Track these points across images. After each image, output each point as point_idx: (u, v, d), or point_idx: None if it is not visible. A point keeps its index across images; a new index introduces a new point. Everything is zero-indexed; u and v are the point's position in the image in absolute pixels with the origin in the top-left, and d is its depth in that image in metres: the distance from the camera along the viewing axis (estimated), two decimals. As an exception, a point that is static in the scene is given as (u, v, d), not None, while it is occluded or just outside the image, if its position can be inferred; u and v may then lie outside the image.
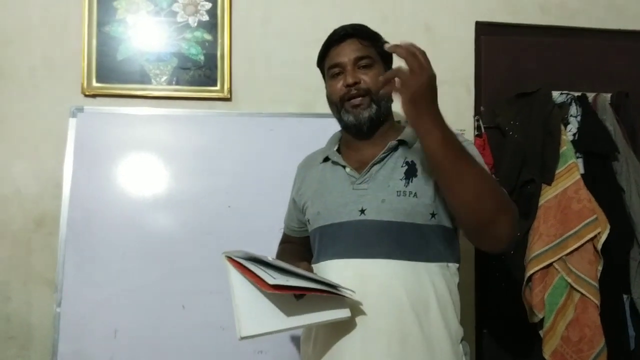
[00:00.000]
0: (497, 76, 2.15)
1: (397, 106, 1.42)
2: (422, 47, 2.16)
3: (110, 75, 1.99)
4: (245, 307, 1.14)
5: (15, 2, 1.99)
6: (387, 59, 1.36)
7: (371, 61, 1.33)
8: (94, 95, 1.99)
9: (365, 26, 1.37)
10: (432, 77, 1.14)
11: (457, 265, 1.33)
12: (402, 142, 1.33)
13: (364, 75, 1.32)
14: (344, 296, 1.16)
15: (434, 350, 1.21)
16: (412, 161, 1.30)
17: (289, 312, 1.15)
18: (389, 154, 1.32)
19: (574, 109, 2.06)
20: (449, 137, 1.14)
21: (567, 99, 2.07)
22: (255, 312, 1.14)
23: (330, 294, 1.15)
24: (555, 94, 2.08)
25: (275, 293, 1.10)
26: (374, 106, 1.32)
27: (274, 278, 1.08)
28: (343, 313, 1.17)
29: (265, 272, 1.12)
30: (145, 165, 1.91)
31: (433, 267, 1.26)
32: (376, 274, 1.23)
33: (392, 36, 1.40)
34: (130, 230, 1.86)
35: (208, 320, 1.83)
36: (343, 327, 1.21)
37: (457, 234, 1.34)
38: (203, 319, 1.83)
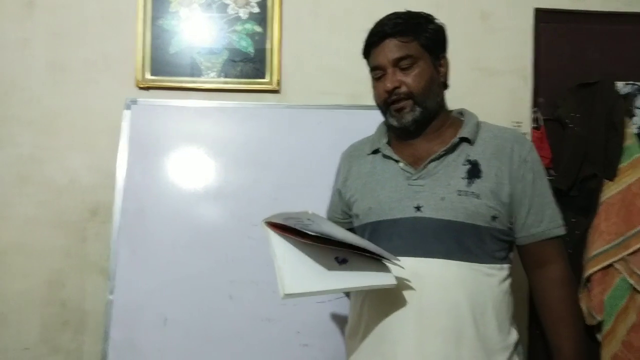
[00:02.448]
0: (557, 66, 2.05)
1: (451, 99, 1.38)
2: (478, 36, 2.11)
3: (162, 68, 2.03)
4: (288, 267, 1.12)
5: (72, -3, 2.05)
6: (433, 48, 1.30)
7: (412, 60, 1.27)
8: (147, 88, 2.03)
9: (407, 18, 1.30)
10: None
11: (510, 266, 1.30)
12: (463, 139, 1.29)
13: (405, 77, 1.27)
14: (387, 262, 1.14)
15: (489, 352, 1.19)
16: (475, 160, 1.26)
17: (332, 274, 1.13)
18: (447, 151, 1.28)
19: (639, 101, 1.95)
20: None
21: (633, 90, 1.97)
22: (299, 272, 1.12)
23: (376, 258, 1.13)
24: (620, 84, 1.97)
25: (319, 252, 1.10)
26: (418, 108, 1.28)
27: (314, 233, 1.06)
28: (388, 279, 1.14)
29: (307, 230, 1.10)
30: (195, 156, 1.94)
31: (489, 269, 1.23)
32: (433, 273, 1.20)
33: (446, 24, 1.36)
34: (181, 220, 1.89)
35: (254, 311, 1.83)
36: (396, 323, 1.20)
37: (511, 235, 1.30)
38: (249, 310, 1.84)
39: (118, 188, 1.90)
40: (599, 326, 1.85)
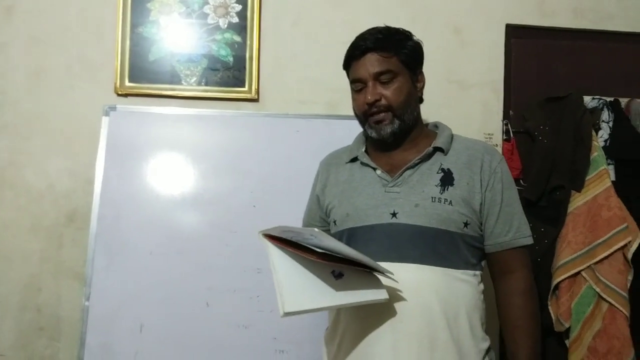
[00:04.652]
0: (527, 80, 2.12)
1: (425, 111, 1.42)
2: (451, 50, 2.17)
3: (142, 75, 2.03)
4: (287, 283, 1.13)
5: (53, 3, 2.05)
6: (412, 64, 1.34)
7: (392, 75, 1.31)
8: (126, 95, 2.03)
9: (387, 34, 1.33)
10: None
11: (481, 272, 1.34)
12: (437, 148, 1.33)
13: (385, 90, 1.31)
14: (380, 275, 1.16)
15: (462, 356, 1.22)
16: (448, 169, 1.30)
17: (330, 290, 1.15)
18: (422, 160, 1.32)
19: (605, 115, 2.02)
20: None
21: (599, 104, 2.03)
22: (298, 289, 1.14)
23: (369, 273, 1.15)
24: (587, 98, 2.04)
25: (317, 267, 1.10)
26: (397, 121, 1.32)
27: (317, 249, 1.08)
28: (381, 294, 1.16)
29: (307, 244, 1.12)
30: (174, 163, 1.95)
31: (462, 275, 1.27)
32: (408, 278, 1.22)
33: (421, 38, 1.40)
34: (158, 227, 1.89)
35: (231, 318, 1.85)
36: (373, 329, 1.22)
37: (482, 243, 1.34)
38: (226, 317, 1.85)
39: (95, 194, 1.90)
40: (566, 332, 1.90)
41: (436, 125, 1.43)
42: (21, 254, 1.97)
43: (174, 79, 2.04)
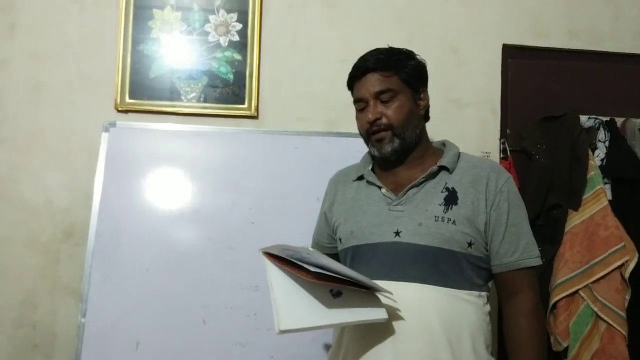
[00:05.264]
0: (523, 99, 2.14)
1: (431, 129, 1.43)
2: (448, 69, 2.19)
3: (142, 92, 2.05)
4: (284, 301, 1.14)
5: (55, 19, 2.06)
6: (413, 82, 1.36)
7: (392, 94, 1.32)
8: (126, 111, 2.04)
9: (388, 54, 1.35)
10: None
11: (488, 294, 1.33)
12: (442, 167, 1.33)
13: (385, 109, 1.32)
14: (379, 295, 1.16)
15: None
16: (452, 188, 1.30)
17: (327, 308, 1.15)
18: (427, 179, 1.32)
19: (602, 134, 2.03)
20: None
21: (595, 124, 2.05)
22: (294, 307, 1.14)
23: (368, 292, 1.15)
24: (583, 118, 2.06)
25: (314, 286, 1.11)
26: (397, 140, 1.33)
27: (315, 268, 1.08)
28: (380, 314, 1.16)
29: (305, 264, 1.12)
30: (173, 180, 1.95)
31: (466, 295, 1.26)
32: (409, 297, 1.22)
33: (418, 58, 1.41)
34: (156, 243, 1.89)
35: (228, 336, 1.83)
36: (373, 347, 1.22)
37: (489, 263, 1.33)
38: (223, 335, 1.83)
39: (94, 210, 1.90)
40: (565, 352, 1.89)
41: (444, 144, 1.43)
42: (17, 269, 1.96)
43: (174, 95, 2.05)
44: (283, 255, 1.18)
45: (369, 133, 1.35)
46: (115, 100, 2.03)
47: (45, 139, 2.02)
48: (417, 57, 1.39)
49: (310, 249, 1.14)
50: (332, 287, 1.16)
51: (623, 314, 1.83)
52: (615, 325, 1.82)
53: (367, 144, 1.40)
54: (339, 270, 1.11)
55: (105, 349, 1.80)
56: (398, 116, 1.31)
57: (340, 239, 1.39)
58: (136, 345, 1.81)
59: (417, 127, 1.36)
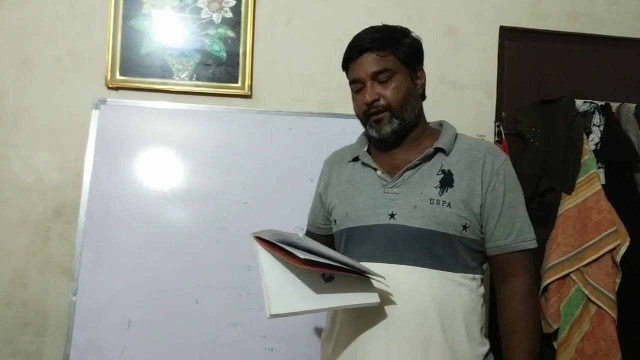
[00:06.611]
0: (519, 82, 2.13)
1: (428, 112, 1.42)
2: (445, 51, 2.17)
3: (133, 69, 2.01)
4: (275, 286, 1.13)
5: (43, -7, 2.02)
6: (410, 61, 1.33)
7: (390, 74, 1.29)
8: (116, 88, 2.01)
9: (383, 32, 1.32)
10: None
11: (482, 276, 1.32)
12: (438, 149, 1.32)
13: (383, 90, 1.30)
14: (371, 279, 1.16)
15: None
16: (448, 170, 1.29)
17: (318, 293, 1.14)
18: (423, 161, 1.31)
19: (597, 118, 2.03)
20: None
21: (591, 108, 2.04)
22: (285, 291, 1.13)
23: (360, 276, 1.15)
24: (579, 102, 2.05)
25: (306, 271, 1.10)
26: (396, 120, 1.31)
27: (305, 255, 1.07)
28: (372, 298, 1.16)
29: (295, 250, 1.11)
30: (164, 158, 1.93)
31: (460, 278, 1.25)
32: (403, 280, 1.22)
33: (415, 38, 1.39)
34: (147, 222, 1.88)
35: (220, 316, 1.84)
36: (366, 330, 1.22)
37: (484, 246, 1.32)
38: (215, 315, 1.84)
39: (84, 188, 1.88)
40: (555, 334, 1.91)
41: (441, 124, 1.41)
42: (7, 248, 1.94)
43: (166, 73, 2.02)
44: (274, 241, 1.17)
45: (366, 114, 1.33)
46: (106, 77, 1.99)
47: (35, 117, 1.99)
48: (412, 34, 1.36)
49: (301, 235, 1.13)
50: (323, 272, 1.15)
51: (613, 297, 1.85)
52: (605, 307, 1.84)
53: (365, 126, 1.37)
54: (330, 255, 1.11)
55: (97, 327, 1.80)
56: (396, 96, 1.29)
57: (335, 221, 1.38)
58: (128, 324, 1.81)
59: (415, 107, 1.34)
